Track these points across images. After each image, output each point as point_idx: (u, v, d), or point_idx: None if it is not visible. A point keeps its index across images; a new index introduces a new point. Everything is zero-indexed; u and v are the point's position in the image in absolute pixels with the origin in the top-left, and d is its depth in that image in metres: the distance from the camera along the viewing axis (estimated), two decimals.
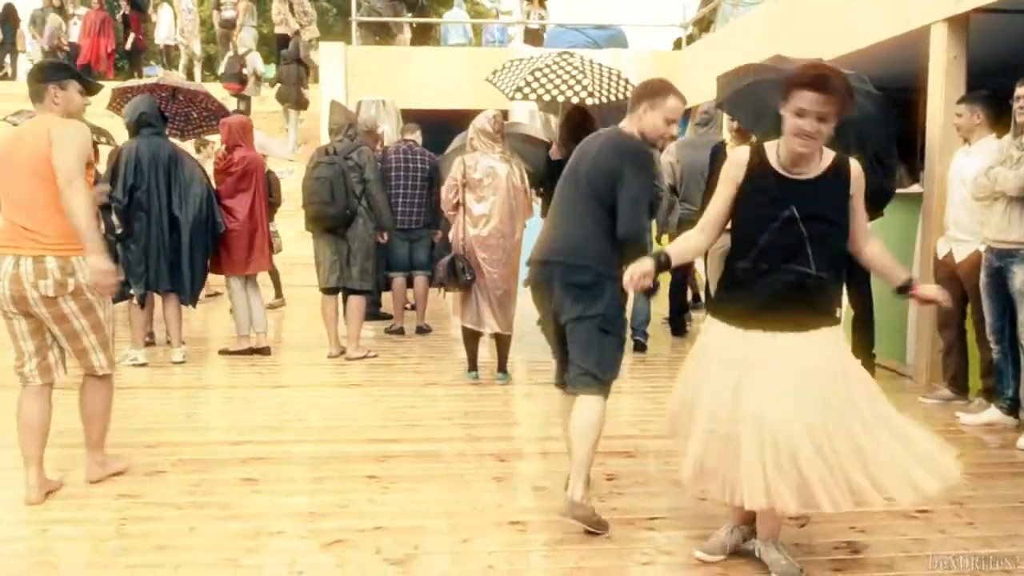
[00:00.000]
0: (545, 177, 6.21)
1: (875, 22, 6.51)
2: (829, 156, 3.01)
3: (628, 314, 6.50)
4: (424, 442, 4.68)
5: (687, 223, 7.33)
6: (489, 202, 5.77)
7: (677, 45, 12.98)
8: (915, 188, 6.10)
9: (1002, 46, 6.00)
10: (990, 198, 4.76)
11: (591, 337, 3.46)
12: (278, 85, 13.73)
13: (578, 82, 6.22)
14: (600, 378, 3.48)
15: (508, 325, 5.95)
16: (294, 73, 13.36)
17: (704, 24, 12.02)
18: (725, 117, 7.66)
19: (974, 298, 5.09)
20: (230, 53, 14.06)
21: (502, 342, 6.02)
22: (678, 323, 7.92)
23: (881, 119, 5.23)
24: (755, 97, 5.15)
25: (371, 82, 11.32)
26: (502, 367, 6.04)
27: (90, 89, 4.00)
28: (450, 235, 6.11)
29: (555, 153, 6.07)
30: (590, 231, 3.47)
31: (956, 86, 5.75)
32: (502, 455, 4.46)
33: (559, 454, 4.42)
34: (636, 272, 3.02)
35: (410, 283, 7.92)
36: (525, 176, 5.93)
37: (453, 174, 5.81)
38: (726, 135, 7.65)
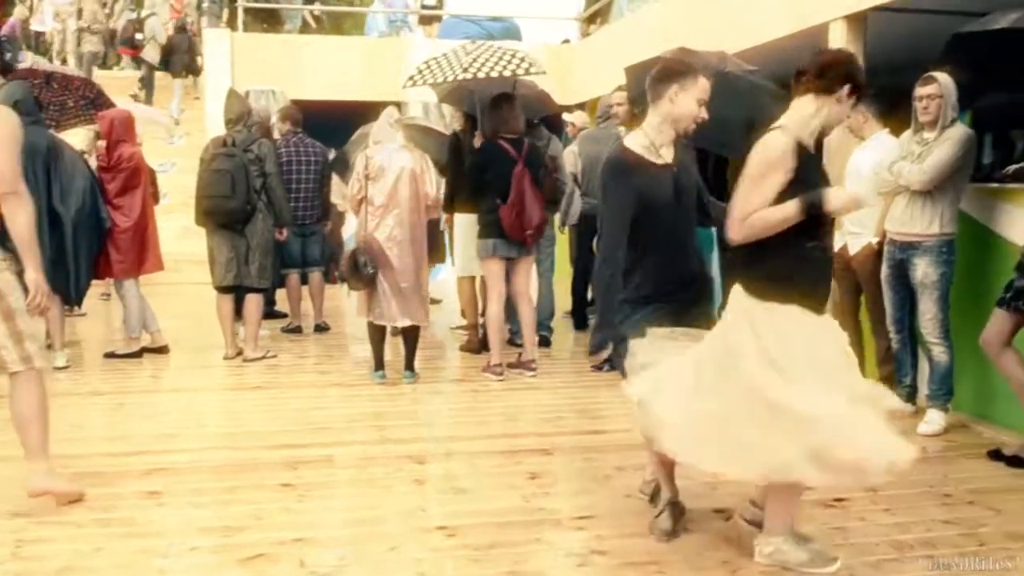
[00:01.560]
0: (470, 166, 6.14)
1: (774, 18, 6.65)
2: None
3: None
4: (336, 446, 4.50)
5: (589, 216, 7.38)
6: (393, 194, 5.61)
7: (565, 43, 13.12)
8: None
9: (898, 44, 6.21)
10: (893, 192, 4.93)
11: None
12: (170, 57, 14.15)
13: (469, 62, 6.11)
14: None
15: (423, 315, 5.83)
16: (186, 41, 14.05)
17: (595, 18, 12.10)
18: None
19: (869, 290, 5.27)
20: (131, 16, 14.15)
21: (409, 339, 5.88)
22: (581, 316, 7.94)
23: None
24: None
25: (259, 71, 10.90)
26: (409, 365, 5.89)
27: None
28: (343, 231, 5.94)
29: (479, 140, 6.08)
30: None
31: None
32: (419, 457, 4.33)
33: (477, 453, 4.36)
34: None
35: (304, 279, 7.68)
36: (429, 168, 5.81)
37: (356, 169, 5.64)
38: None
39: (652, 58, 5.58)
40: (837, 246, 5.43)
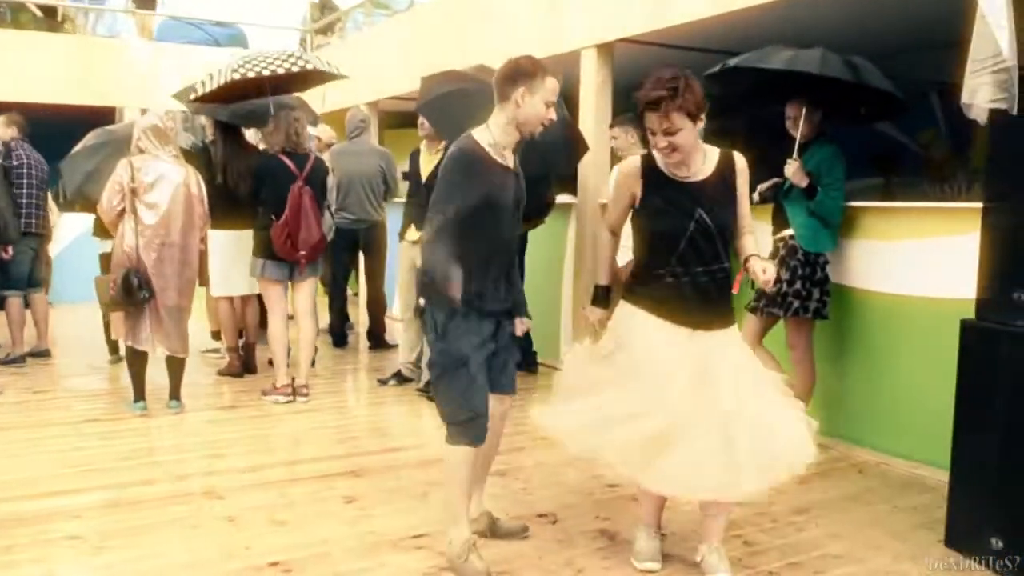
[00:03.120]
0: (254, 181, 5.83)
1: (529, 42, 6.99)
2: (715, 153, 3.12)
3: None
4: (116, 488, 4.07)
5: (347, 231, 7.28)
6: (161, 209, 5.18)
7: None
8: (570, 198, 6.65)
9: (644, 72, 6.76)
10: None
11: None
12: None
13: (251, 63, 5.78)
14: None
15: (183, 346, 5.42)
16: None
17: (327, 29, 11.94)
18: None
19: None
20: None
21: (174, 366, 5.45)
22: (340, 334, 7.80)
23: (566, 144, 5.64)
24: (454, 106, 5.27)
25: None
26: (175, 394, 5.46)
27: None
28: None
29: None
30: None
31: (604, 107, 6.41)
32: (219, 492, 4.04)
33: (282, 482, 4.16)
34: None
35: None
36: (201, 181, 5.44)
37: (117, 178, 5.10)
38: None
39: (447, 72, 5.68)
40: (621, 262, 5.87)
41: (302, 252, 5.58)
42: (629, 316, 3.14)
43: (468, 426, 3.11)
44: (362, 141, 7.56)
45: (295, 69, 5.72)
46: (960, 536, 3.37)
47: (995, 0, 3.10)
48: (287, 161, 5.61)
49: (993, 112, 3.20)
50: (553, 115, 3.13)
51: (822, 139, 4.79)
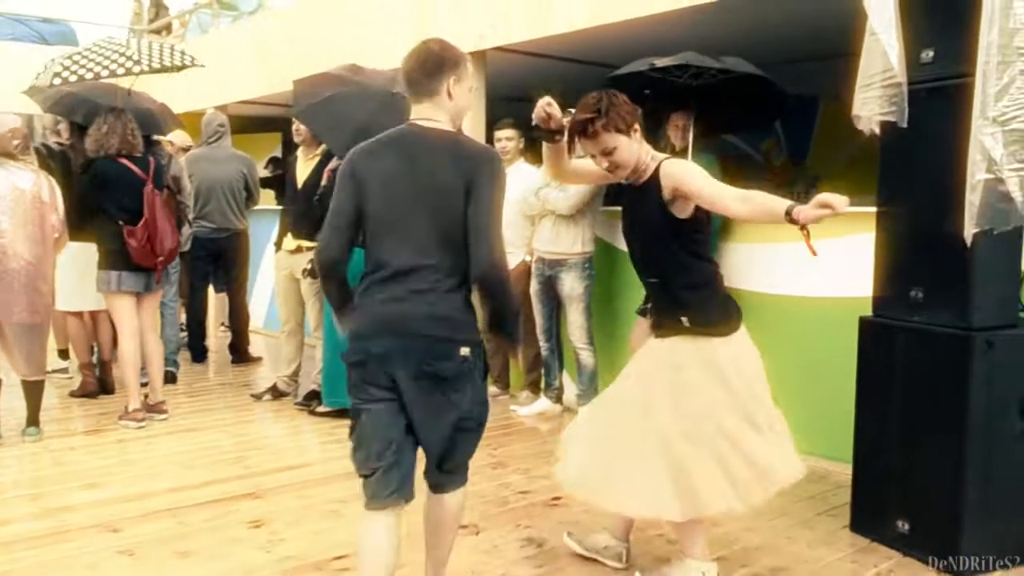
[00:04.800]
0: (83, 187, 5.38)
1: (401, 46, 6.89)
2: (655, 163, 2.99)
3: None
4: None
5: (206, 240, 6.93)
6: (8, 221, 4.74)
7: None
8: None
9: (517, 80, 6.80)
10: (539, 215, 5.43)
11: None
12: None
13: (131, 54, 5.41)
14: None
15: (38, 368, 4.97)
16: None
17: (164, 30, 11.32)
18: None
19: (521, 304, 5.75)
20: None
21: (30, 390, 4.99)
22: (200, 349, 7.40)
23: None
24: (334, 110, 5.11)
25: None
26: (34, 420, 4.99)
27: None
28: None
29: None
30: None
31: (477, 113, 6.41)
32: (109, 524, 3.71)
33: (177, 510, 3.90)
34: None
35: None
36: (56, 189, 5.00)
37: None
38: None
39: (320, 75, 5.49)
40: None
41: (161, 257, 5.27)
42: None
43: None
44: (222, 146, 7.21)
45: (187, 64, 5.56)
46: (866, 521, 3.60)
47: (884, 18, 3.33)
48: (129, 164, 5.27)
49: (884, 123, 3.44)
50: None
51: (699, 148, 5.00)
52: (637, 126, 2.97)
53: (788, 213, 2.53)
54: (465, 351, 2.51)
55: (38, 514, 3.85)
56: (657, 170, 2.96)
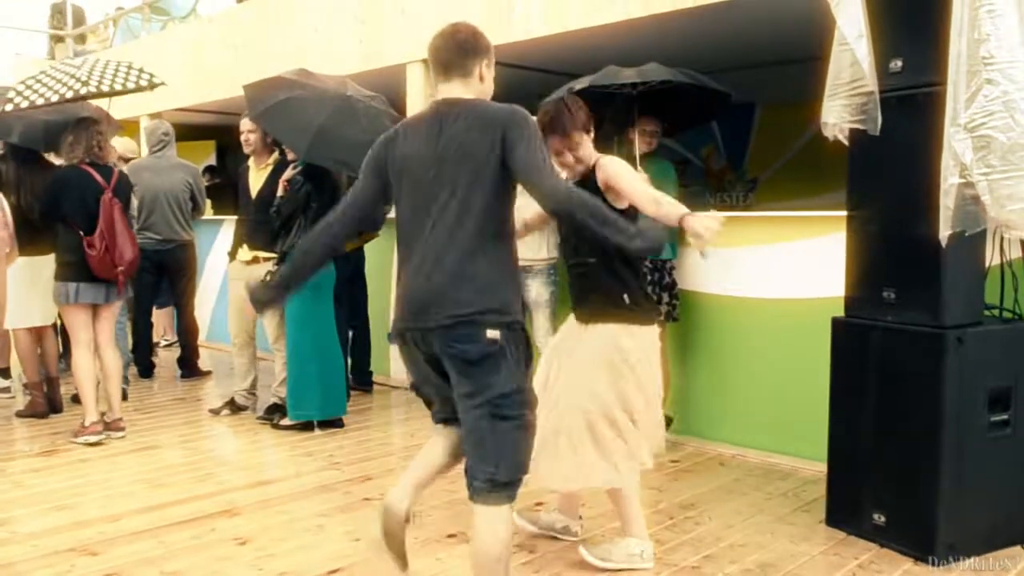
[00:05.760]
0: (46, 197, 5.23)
1: (353, 53, 6.85)
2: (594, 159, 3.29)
3: None
4: None
5: (151, 252, 6.75)
6: None
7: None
8: None
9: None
10: None
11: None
12: None
13: (86, 75, 5.27)
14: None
15: None
16: None
17: (86, 37, 10.96)
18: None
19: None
20: None
21: None
22: (147, 363, 7.19)
23: None
24: (292, 113, 5.08)
25: None
26: None
27: None
28: None
29: None
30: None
31: None
32: (85, 547, 3.57)
33: (157, 530, 3.81)
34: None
35: None
36: (5, 206, 4.83)
37: None
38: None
39: (271, 79, 5.42)
40: None
41: (121, 267, 5.13)
42: None
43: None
44: (166, 155, 7.04)
45: (144, 85, 5.56)
46: (842, 515, 3.73)
47: (855, 30, 3.47)
48: (91, 171, 5.13)
49: (853, 131, 3.59)
50: None
51: (655, 154, 5.11)
52: (592, 128, 3.31)
53: (680, 220, 2.82)
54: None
55: (9, 539, 3.70)
56: (595, 165, 3.29)
